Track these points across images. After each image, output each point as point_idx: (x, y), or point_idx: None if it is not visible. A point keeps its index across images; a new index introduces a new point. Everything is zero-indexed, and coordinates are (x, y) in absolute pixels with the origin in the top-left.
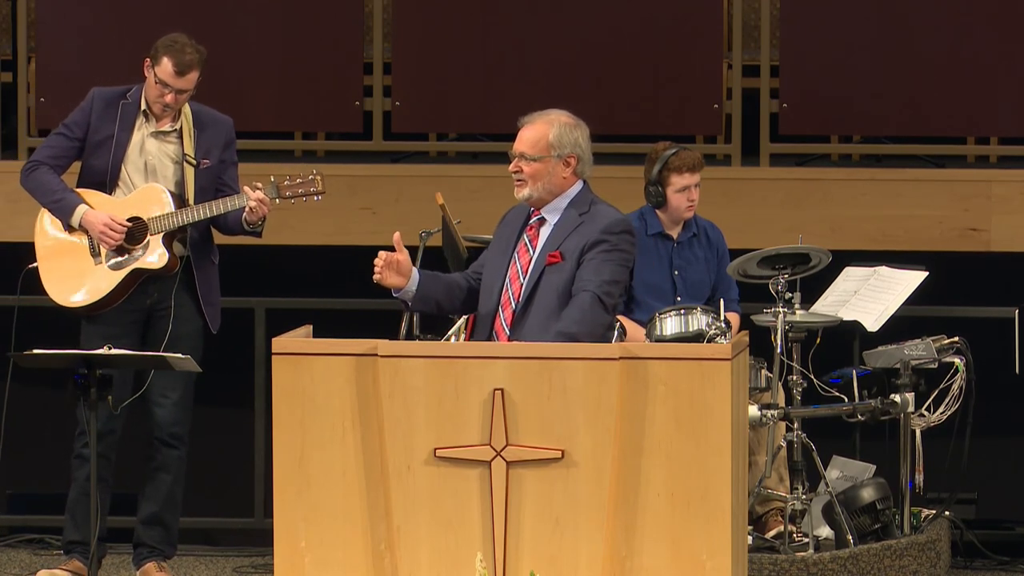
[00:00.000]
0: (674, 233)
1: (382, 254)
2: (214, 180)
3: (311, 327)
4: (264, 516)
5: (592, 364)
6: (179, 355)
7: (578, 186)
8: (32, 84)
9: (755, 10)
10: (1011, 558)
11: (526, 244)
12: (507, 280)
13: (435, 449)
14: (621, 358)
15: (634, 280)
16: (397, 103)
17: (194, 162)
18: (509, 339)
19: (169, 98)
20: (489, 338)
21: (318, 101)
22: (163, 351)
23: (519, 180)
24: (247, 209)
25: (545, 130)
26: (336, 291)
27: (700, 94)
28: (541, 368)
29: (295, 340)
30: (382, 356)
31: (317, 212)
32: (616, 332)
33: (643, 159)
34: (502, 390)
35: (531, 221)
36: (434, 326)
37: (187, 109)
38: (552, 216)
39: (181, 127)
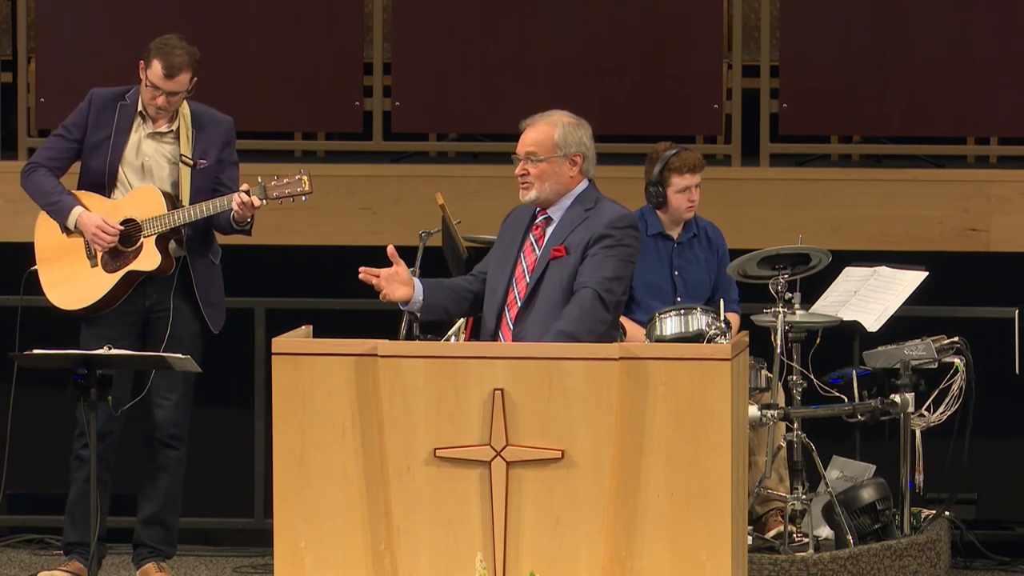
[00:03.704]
0: (674, 233)
1: (378, 272)
2: (211, 180)
3: (311, 327)
4: (264, 516)
5: (592, 364)
6: (179, 355)
7: (584, 184)
8: (32, 84)
9: (755, 10)
10: (1011, 558)
11: (532, 244)
12: (513, 280)
13: (435, 449)
14: (621, 358)
15: (634, 280)
16: (397, 103)
17: (190, 163)
18: (513, 335)
19: (160, 100)
20: (494, 338)
21: (318, 101)
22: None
23: (526, 182)
24: (233, 209)
25: (550, 131)
26: (336, 291)
27: (700, 94)
28: (541, 368)
29: (295, 340)
30: (382, 356)
31: (317, 212)
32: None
33: (643, 159)
34: (502, 390)
35: (537, 221)
36: (434, 326)
37: (186, 109)
38: (558, 215)
39: (179, 127)
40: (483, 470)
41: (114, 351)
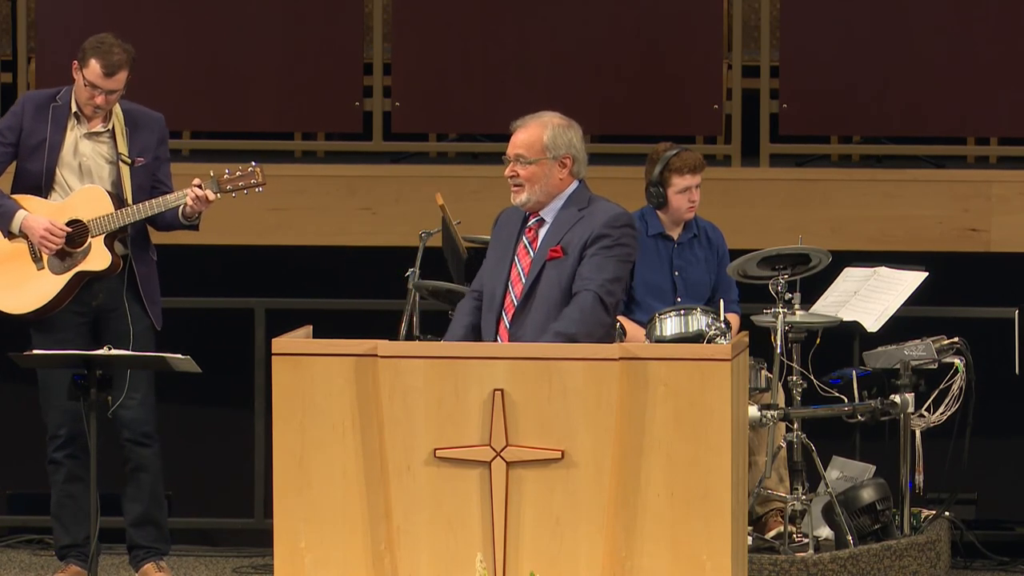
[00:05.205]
0: (675, 234)
1: None
2: (149, 178)
3: (311, 327)
4: (264, 516)
5: (592, 364)
6: (178, 356)
7: (574, 185)
8: (32, 84)
9: (755, 10)
10: (1011, 558)
11: (526, 246)
12: (509, 283)
13: (435, 449)
14: (621, 358)
15: (634, 280)
16: (397, 103)
17: (129, 161)
18: (510, 336)
19: (99, 99)
20: (493, 340)
21: (318, 101)
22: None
23: (516, 185)
24: (185, 204)
25: (539, 132)
26: (336, 291)
27: (700, 94)
28: (541, 368)
29: (295, 340)
30: (382, 356)
31: (317, 212)
32: (616, 333)
33: (643, 160)
34: (502, 390)
35: (529, 223)
36: (434, 326)
37: (118, 108)
38: (550, 216)
39: (113, 127)
40: (483, 470)
41: (114, 351)
